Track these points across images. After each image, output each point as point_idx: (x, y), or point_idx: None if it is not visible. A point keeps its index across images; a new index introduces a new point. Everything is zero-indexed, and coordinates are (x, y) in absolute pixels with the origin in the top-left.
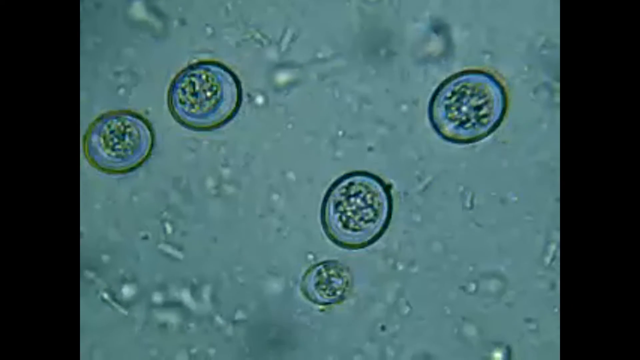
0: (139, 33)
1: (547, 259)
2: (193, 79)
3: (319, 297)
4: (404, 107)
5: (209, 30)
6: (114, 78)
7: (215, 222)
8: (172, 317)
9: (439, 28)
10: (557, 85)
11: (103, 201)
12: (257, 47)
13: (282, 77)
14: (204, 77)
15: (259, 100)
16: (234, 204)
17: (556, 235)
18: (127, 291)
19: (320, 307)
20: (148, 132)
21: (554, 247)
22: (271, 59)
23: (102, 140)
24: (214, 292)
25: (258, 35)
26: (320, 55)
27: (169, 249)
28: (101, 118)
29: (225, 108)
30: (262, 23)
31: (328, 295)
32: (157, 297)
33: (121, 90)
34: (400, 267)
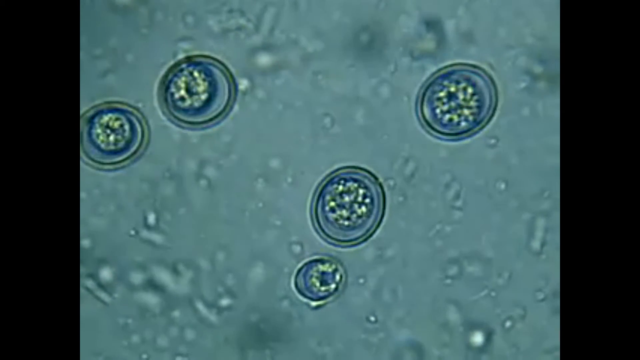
0: (121, 20)
1: (537, 245)
2: (185, 78)
3: (314, 292)
4: (388, 95)
5: (189, 18)
6: (97, 63)
7: (198, 208)
8: (153, 302)
9: (429, 24)
10: (540, 71)
11: (88, 190)
12: (240, 33)
13: (267, 63)
14: (196, 74)
15: (244, 86)
16: (217, 190)
17: (541, 222)
18: (106, 275)
19: (314, 303)
20: (139, 126)
21: (541, 233)
22: (255, 44)
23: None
24: (197, 277)
25: (242, 22)
26: (303, 41)
27: (150, 235)
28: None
29: (219, 103)
30: (244, 9)
31: (322, 290)
32: (138, 282)
33: (109, 79)
34: (387, 255)
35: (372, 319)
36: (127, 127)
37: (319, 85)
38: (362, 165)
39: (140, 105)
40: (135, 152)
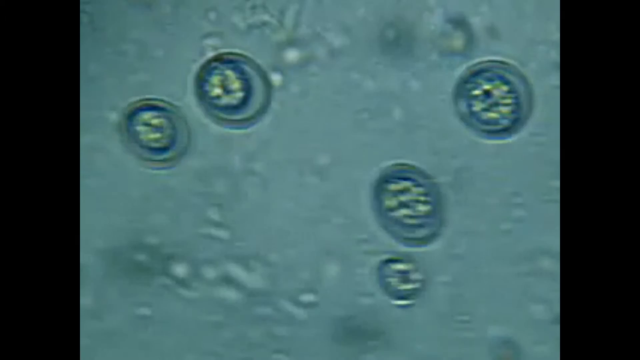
0: (146, 15)
1: None
2: (219, 77)
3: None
4: (421, 90)
5: (212, 15)
6: (125, 59)
7: (254, 203)
8: (233, 297)
9: (455, 22)
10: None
11: (140, 188)
12: (265, 29)
13: (295, 59)
14: (228, 72)
15: (277, 80)
16: (267, 185)
17: None
18: (180, 271)
19: (397, 302)
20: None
21: None
22: (281, 40)
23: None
24: (272, 273)
25: (266, 17)
26: (329, 35)
27: (215, 231)
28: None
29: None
30: (267, 5)
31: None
32: (211, 275)
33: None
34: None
35: (464, 317)
36: (167, 124)
37: (352, 81)
38: (409, 162)
39: (178, 103)
40: (180, 149)
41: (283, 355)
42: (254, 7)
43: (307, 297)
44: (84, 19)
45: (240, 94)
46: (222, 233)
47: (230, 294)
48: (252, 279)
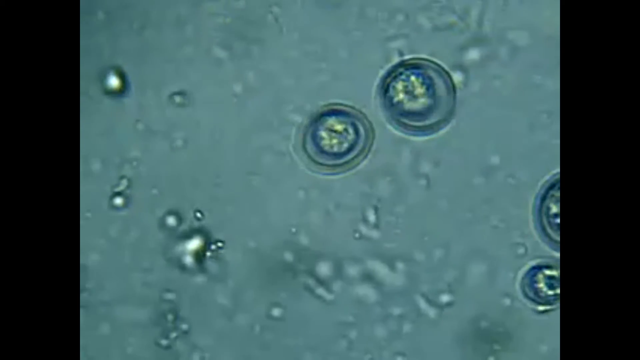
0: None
1: None
2: (403, 83)
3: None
4: None
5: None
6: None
7: (414, 205)
8: (369, 295)
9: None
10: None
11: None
12: (452, 30)
13: (476, 58)
14: (412, 78)
15: (459, 83)
16: (431, 187)
17: None
18: (325, 271)
19: (541, 307)
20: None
21: None
22: (465, 40)
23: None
24: (414, 273)
25: (453, 18)
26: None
27: (368, 231)
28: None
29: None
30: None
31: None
32: (352, 274)
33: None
34: None
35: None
36: (350, 130)
37: (531, 81)
38: None
39: (363, 109)
40: (357, 154)
41: (402, 358)
42: (442, 8)
43: (444, 297)
44: (270, 19)
45: (424, 100)
46: (374, 233)
47: (367, 293)
48: (393, 278)
